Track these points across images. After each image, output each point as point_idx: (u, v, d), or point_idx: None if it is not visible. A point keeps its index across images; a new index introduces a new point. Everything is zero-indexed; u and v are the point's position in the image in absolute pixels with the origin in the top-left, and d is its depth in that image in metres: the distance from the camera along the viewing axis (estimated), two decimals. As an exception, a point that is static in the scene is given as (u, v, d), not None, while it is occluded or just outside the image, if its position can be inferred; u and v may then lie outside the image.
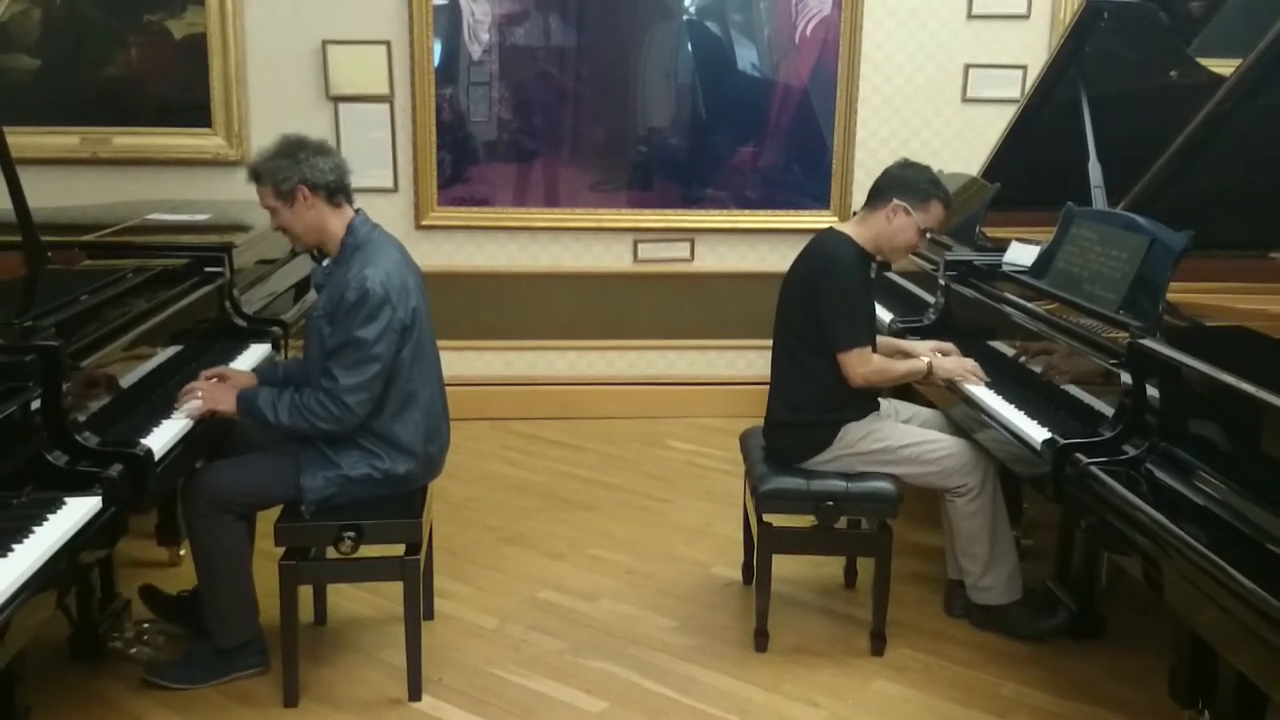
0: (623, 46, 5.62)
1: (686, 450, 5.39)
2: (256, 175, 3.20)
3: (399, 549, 3.26)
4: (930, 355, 3.69)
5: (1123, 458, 2.87)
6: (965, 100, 5.66)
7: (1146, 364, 2.87)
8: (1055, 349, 3.39)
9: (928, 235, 3.59)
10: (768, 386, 3.68)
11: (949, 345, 3.82)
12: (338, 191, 3.21)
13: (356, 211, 3.28)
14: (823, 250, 3.54)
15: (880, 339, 3.81)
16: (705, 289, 5.77)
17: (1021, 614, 3.59)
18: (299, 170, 3.15)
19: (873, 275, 3.64)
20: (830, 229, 3.64)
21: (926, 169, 3.60)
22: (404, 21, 5.35)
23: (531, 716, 3.20)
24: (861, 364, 3.46)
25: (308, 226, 3.22)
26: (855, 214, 3.76)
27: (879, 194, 3.56)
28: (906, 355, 3.76)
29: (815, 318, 3.47)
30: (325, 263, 3.29)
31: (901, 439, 3.54)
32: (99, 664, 3.34)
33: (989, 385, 3.58)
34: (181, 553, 3.97)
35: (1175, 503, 2.61)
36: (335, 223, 3.22)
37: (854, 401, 3.55)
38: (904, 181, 3.54)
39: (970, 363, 3.66)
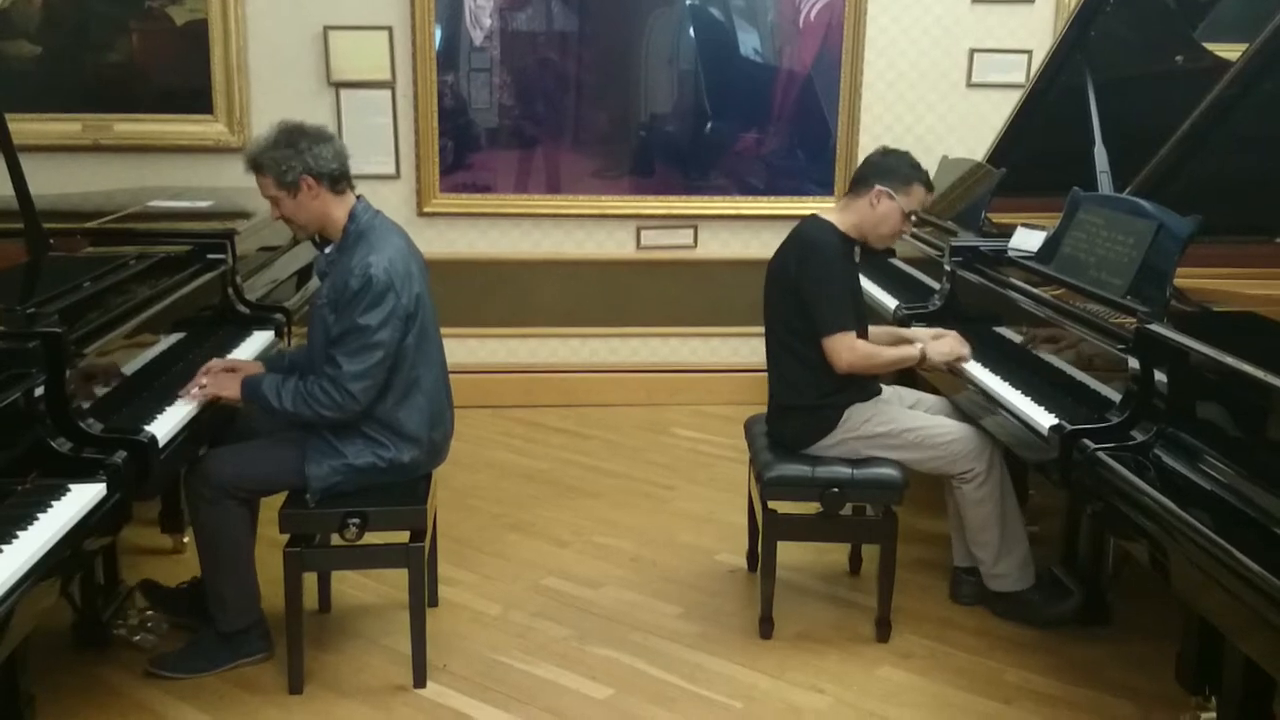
0: (625, 32, 5.60)
1: (690, 437, 5.38)
2: (257, 166, 3.17)
3: (403, 536, 3.26)
4: (925, 342, 3.68)
5: (1130, 443, 2.85)
6: (970, 85, 5.65)
7: (1154, 349, 2.86)
8: (1062, 335, 3.38)
9: (912, 218, 3.59)
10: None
11: (951, 334, 3.80)
12: (340, 179, 3.20)
13: (358, 197, 3.27)
14: (803, 237, 3.54)
15: (879, 328, 3.81)
16: (709, 276, 5.76)
17: (1038, 599, 3.59)
18: (302, 160, 3.12)
19: (857, 260, 3.63)
20: (813, 216, 3.63)
21: (907, 154, 3.61)
22: (405, 7, 5.33)
23: (536, 703, 3.19)
24: (847, 350, 3.44)
25: (311, 215, 3.21)
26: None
27: (861, 182, 3.58)
28: (908, 343, 3.75)
29: (800, 304, 3.47)
30: (328, 250, 3.27)
31: (907, 423, 3.53)
32: (103, 652, 3.33)
33: (995, 371, 3.56)
34: (185, 540, 3.97)
35: (1182, 488, 2.60)
36: (338, 210, 3.21)
37: (855, 384, 3.54)
38: (885, 168, 3.55)
39: (954, 334, 3.66)
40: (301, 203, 3.18)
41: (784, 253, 3.58)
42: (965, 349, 3.67)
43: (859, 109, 5.62)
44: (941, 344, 3.67)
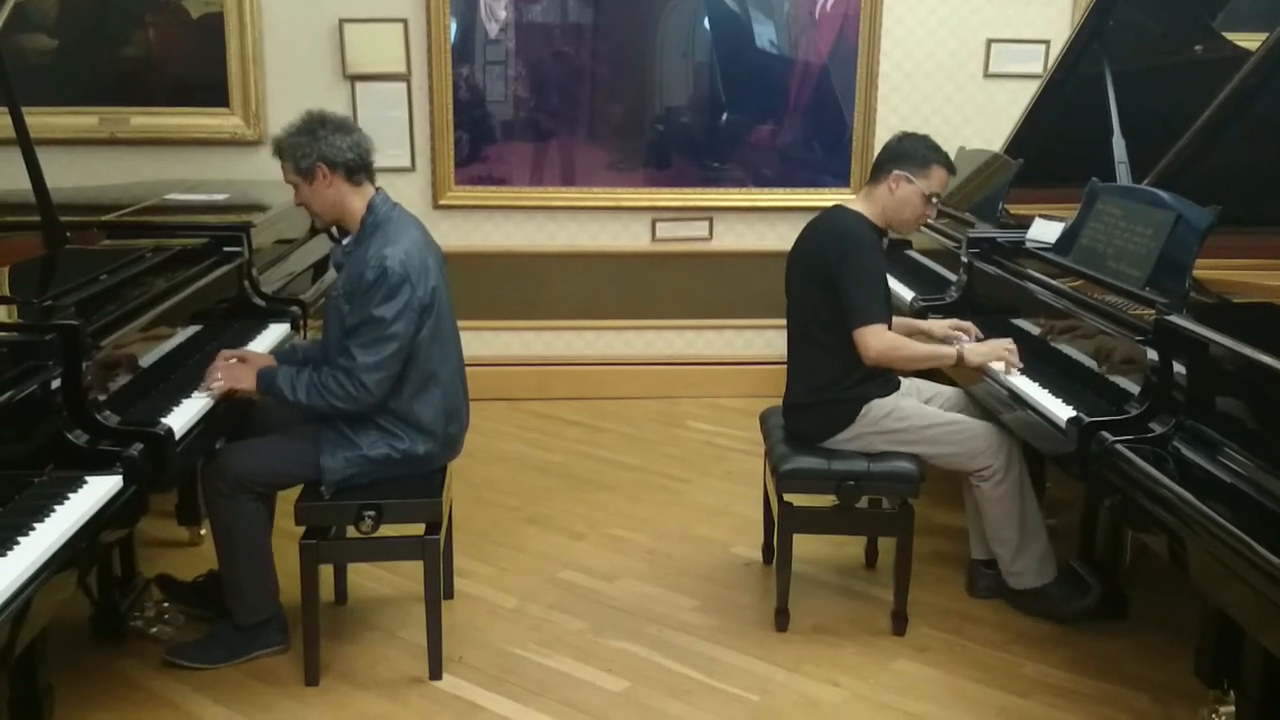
0: (640, 24, 5.59)
1: (706, 430, 5.38)
2: (279, 151, 3.21)
3: (419, 528, 3.26)
4: (958, 342, 3.63)
5: (1149, 435, 2.84)
6: (987, 76, 5.62)
7: (1173, 340, 2.85)
8: (1080, 326, 3.36)
9: (934, 201, 3.56)
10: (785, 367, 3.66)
11: (968, 324, 3.79)
12: (358, 170, 3.21)
13: (377, 190, 3.27)
14: (836, 229, 3.51)
15: (898, 319, 3.78)
16: (724, 268, 5.75)
17: (1058, 594, 3.56)
18: (317, 148, 3.14)
19: (884, 249, 3.61)
20: (838, 206, 3.61)
21: (925, 137, 3.58)
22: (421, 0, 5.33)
23: (552, 695, 3.19)
24: (876, 339, 3.40)
25: (327, 204, 3.22)
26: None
27: (879, 168, 3.57)
28: (925, 335, 3.73)
29: (830, 295, 3.44)
30: (345, 241, 3.28)
31: (926, 419, 3.51)
32: (120, 643, 3.35)
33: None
34: (202, 532, 3.98)
35: (1202, 480, 2.59)
36: (355, 201, 3.21)
37: (875, 377, 3.52)
38: (902, 152, 3.53)
39: (1007, 343, 3.54)
40: (317, 190, 3.19)
41: (814, 243, 3.54)
42: (1006, 347, 3.54)
43: (875, 100, 5.59)
44: (982, 346, 3.60)
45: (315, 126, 3.17)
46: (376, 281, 3.07)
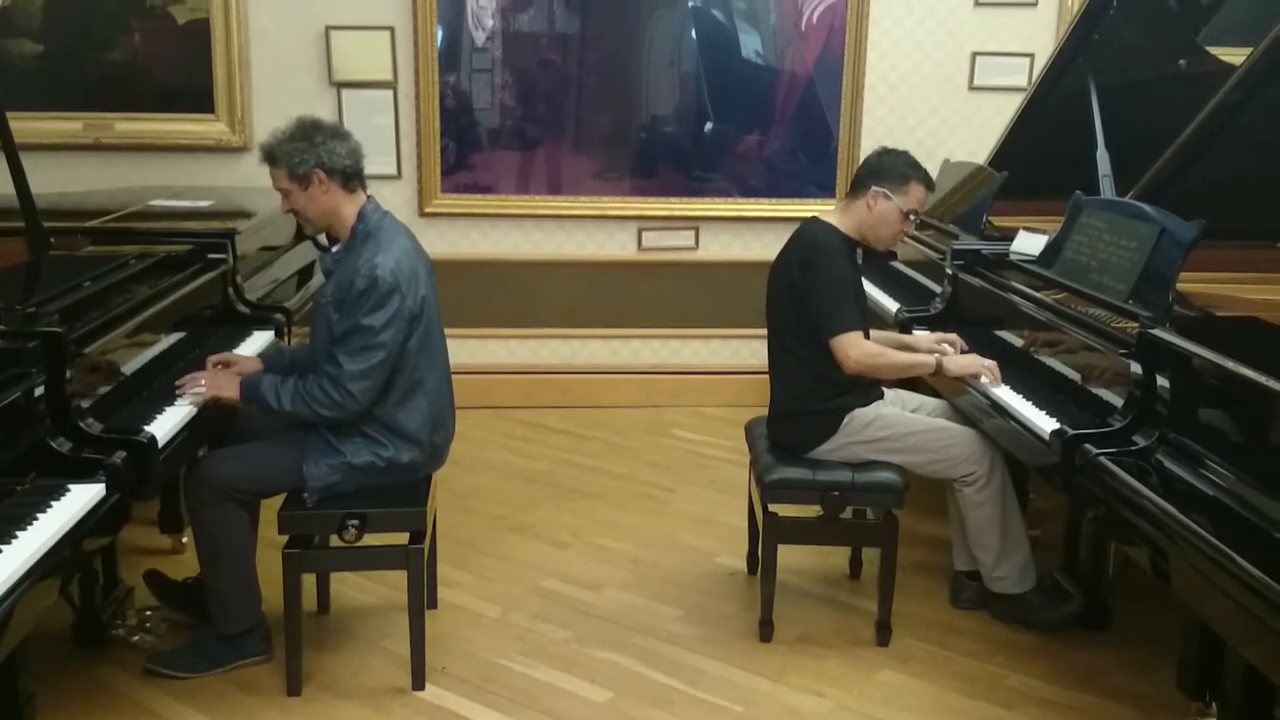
0: (627, 33, 5.60)
1: (691, 439, 5.37)
2: (271, 157, 3.17)
3: (403, 537, 3.25)
4: (938, 353, 3.65)
5: (1132, 448, 2.85)
6: (972, 88, 5.64)
7: (1157, 354, 2.86)
8: (1063, 339, 3.37)
9: (912, 218, 3.57)
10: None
11: (952, 336, 3.80)
12: (353, 177, 3.20)
13: (368, 198, 3.26)
14: (805, 240, 3.53)
15: (882, 333, 3.80)
16: (710, 278, 5.75)
17: (1038, 602, 3.57)
18: (315, 154, 3.12)
19: (860, 262, 3.62)
20: (814, 218, 3.62)
21: (904, 153, 3.60)
22: (408, 7, 5.32)
23: (536, 706, 3.19)
24: (853, 348, 3.41)
25: (321, 211, 3.20)
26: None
27: (858, 183, 3.58)
28: (910, 349, 3.74)
29: (802, 307, 3.46)
30: (335, 249, 3.27)
31: (908, 427, 3.52)
32: (102, 651, 3.33)
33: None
34: (184, 540, 3.96)
35: (1185, 493, 2.60)
36: (348, 208, 3.21)
37: (856, 388, 3.53)
38: (881, 168, 3.55)
39: (989, 362, 3.55)
40: (312, 196, 3.17)
41: (786, 255, 3.57)
42: (987, 365, 3.54)
43: (861, 111, 5.61)
44: (962, 358, 3.61)
45: (312, 133, 3.15)
46: (366, 290, 3.06)
